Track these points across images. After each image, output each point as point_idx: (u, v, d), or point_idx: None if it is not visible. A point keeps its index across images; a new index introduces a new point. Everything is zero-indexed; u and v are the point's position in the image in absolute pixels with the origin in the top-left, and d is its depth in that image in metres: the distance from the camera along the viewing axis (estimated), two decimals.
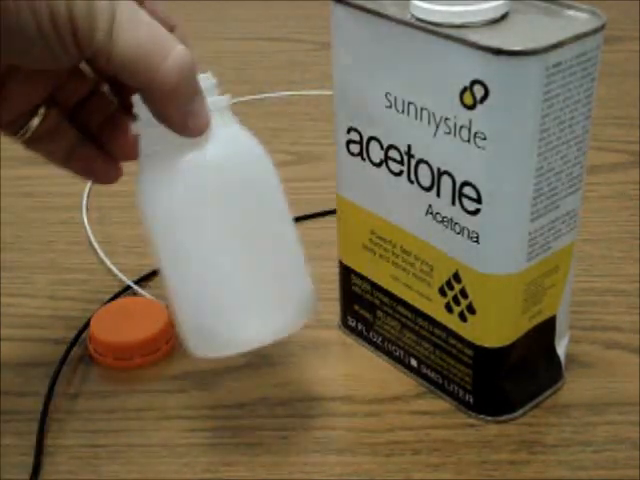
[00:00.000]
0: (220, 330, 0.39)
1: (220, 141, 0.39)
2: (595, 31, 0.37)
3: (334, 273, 0.50)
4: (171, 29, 0.39)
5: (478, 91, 0.37)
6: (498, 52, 0.35)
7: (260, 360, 0.48)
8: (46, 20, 0.34)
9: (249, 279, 0.39)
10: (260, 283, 0.39)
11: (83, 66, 0.40)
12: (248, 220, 0.39)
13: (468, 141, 0.38)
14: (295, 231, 0.41)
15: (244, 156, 0.39)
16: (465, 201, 0.40)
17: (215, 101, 0.39)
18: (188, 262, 0.39)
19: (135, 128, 0.39)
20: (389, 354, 0.48)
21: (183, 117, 0.37)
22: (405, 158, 0.41)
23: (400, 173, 0.42)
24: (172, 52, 0.35)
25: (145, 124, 0.38)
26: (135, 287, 0.53)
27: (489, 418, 0.44)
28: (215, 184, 0.38)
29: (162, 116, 0.37)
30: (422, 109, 0.39)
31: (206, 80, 0.39)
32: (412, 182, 0.42)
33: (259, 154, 0.40)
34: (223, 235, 0.39)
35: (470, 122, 0.38)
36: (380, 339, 0.48)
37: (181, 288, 0.40)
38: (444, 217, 0.41)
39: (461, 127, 0.38)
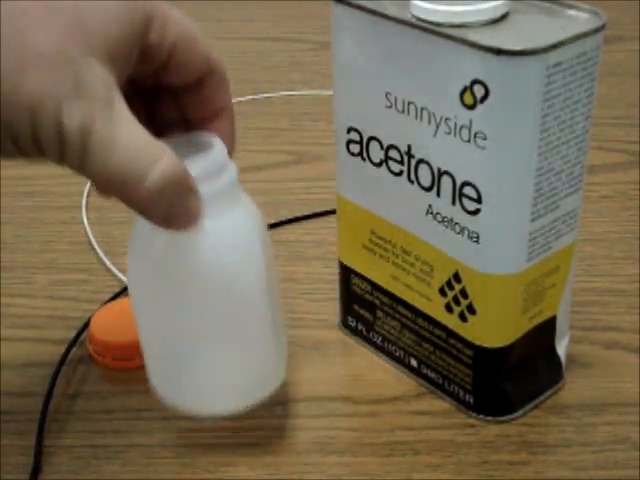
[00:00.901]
0: (182, 397, 0.42)
1: (212, 233, 0.38)
2: (595, 31, 0.37)
3: (334, 273, 0.50)
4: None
5: (478, 91, 0.37)
6: (498, 52, 0.35)
7: None
8: (8, 144, 0.32)
9: (214, 358, 0.40)
10: (224, 362, 0.41)
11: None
12: (220, 303, 0.39)
13: (468, 141, 0.38)
14: (273, 312, 0.41)
15: (231, 252, 0.38)
16: (465, 201, 0.39)
17: (220, 185, 0.37)
18: (160, 328, 0.40)
19: None
20: (389, 354, 0.48)
21: (164, 221, 0.35)
22: (405, 158, 0.41)
23: (400, 173, 0.42)
24: (151, 173, 0.33)
25: None
26: None
27: (489, 418, 0.44)
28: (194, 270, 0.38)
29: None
30: (422, 109, 0.39)
31: (213, 156, 0.37)
32: (412, 182, 0.42)
33: (249, 249, 0.39)
34: (192, 313, 0.39)
35: (470, 122, 0.38)
36: (380, 339, 0.48)
37: (152, 345, 0.41)
38: (444, 217, 0.41)
39: (461, 127, 0.38)
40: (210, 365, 0.41)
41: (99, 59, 0.33)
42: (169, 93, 0.39)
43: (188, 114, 0.39)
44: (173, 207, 0.35)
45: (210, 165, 0.37)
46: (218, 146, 0.38)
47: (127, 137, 0.33)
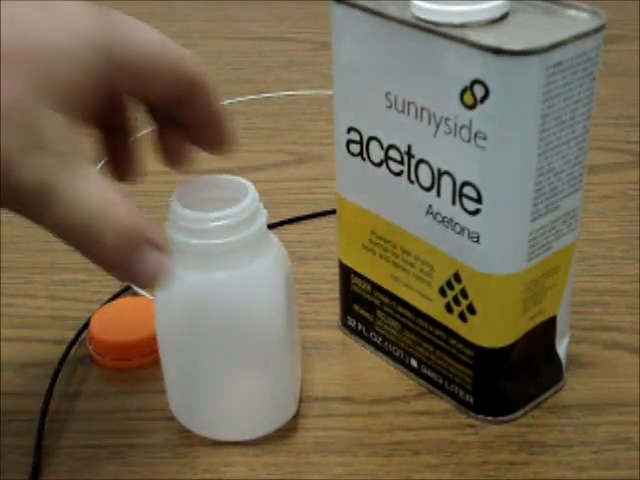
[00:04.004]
0: (200, 423, 0.44)
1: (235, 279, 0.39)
2: (595, 31, 0.37)
3: (334, 273, 0.50)
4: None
5: (478, 91, 0.37)
6: (498, 52, 0.35)
7: None
8: None
9: (232, 389, 0.42)
10: (242, 393, 0.42)
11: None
12: (242, 340, 0.41)
13: (468, 141, 0.38)
14: (291, 347, 0.43)
15: (257, 297, 0.40)
16: (465, 201, 0.39)
17: (249, 233, 0.39)
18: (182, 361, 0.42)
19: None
20: (389, 354, 0.48)
21: (124, 277, 0.35)
22: (405, 158, 0.41)
23: (400, 173, 0.42)
24: (108, 230, 0.32)
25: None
26: (135, 287, 0.53)
27: (489, 418, 0.44)
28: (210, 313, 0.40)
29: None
30: (422, 109, 0.39)
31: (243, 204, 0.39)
32: (412, 182, 0.42)
33: (274, 293, 0.40)
34: (211, 349, 0.41)
35: (470, 122, 0.38)
36: (380, 339, 0.48)
37: (174, 373, 0.43)
38: (444, 217, 0.41)
39: (461, 127, 0.38)
40: (229, 395, 0.42)
41: (62, 108, 0.32)
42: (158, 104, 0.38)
43: (181, 120, 0.39)
44: (131, 263, 0.34)
45: (241, 213, 0.38)
46: (250, 193, 0.39)
47: (87, 193, 0.32)
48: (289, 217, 0.60)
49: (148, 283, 0.35)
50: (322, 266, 0.56)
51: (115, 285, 0.54)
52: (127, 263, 0.34)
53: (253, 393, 0.42)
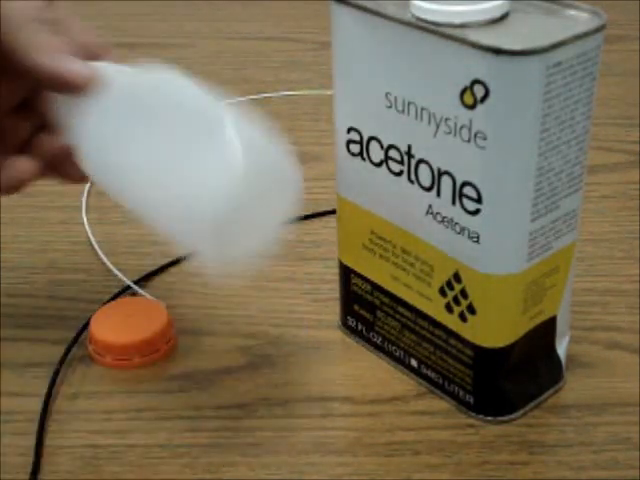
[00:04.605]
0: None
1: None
2: (596, 31, 0.37)
3: (334, 273, 0.50)
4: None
5: (478, 91, 0.37)
6: (498, 52, 0.35)
7: (260, 360, 0.48)
8: None
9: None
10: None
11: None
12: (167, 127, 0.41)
13: (468, 141, 0.38)
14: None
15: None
16: (465, 201, 0.39)
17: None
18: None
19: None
20: (389, 354, 0.48)
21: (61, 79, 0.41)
22: (405, 158, 0.41)
23: (400, 173, 0.42)
24: (41, 54, 0.41)
25: None
26: (135, 287, 0.53)
27: (489, 418, 0.44)
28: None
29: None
30: (422, 109, 0.39)
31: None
32: (412, 182, 0.42)
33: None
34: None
35: (470, 122, 0.38)
36: (380, 339, 0.48)
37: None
38: (444, 217, 0.41)
39: (461, 127, 0.38)
40: (180, 172, 0.40)
41: None
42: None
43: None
44: (62, 68, 0.41)
45: None
46: None
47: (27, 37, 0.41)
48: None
49: (82, 84, 0.42)
50: (322, 266, 0.56)
51: (115, 285, 0.54)
52: (59, 68, 0.41)
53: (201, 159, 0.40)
